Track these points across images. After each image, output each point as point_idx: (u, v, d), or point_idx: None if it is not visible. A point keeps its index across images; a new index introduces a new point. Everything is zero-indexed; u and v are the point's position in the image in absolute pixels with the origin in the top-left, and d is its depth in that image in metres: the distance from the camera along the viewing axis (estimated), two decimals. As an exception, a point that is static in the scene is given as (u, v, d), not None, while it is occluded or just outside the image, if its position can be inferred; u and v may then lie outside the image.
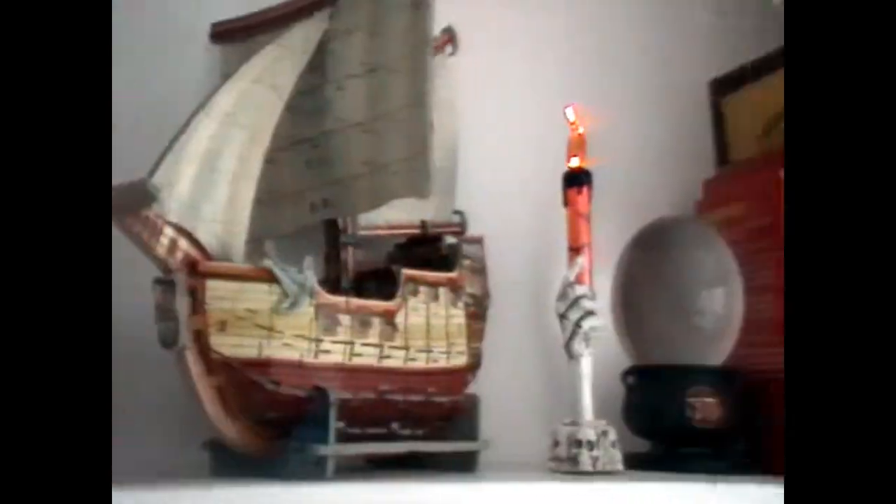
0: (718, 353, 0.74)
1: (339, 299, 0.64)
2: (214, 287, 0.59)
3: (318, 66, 0.70)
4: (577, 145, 0.74)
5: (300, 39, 0.69)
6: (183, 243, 0.59)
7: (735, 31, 0.89)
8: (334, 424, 0.60)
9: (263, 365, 0.60)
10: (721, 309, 0.73)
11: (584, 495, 0.63)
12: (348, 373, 0.63)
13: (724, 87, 0.88)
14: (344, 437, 0.61)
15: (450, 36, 0.79)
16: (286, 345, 0.61)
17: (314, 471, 0.59)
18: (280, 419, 0.61)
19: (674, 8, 0.89)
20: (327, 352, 0.62)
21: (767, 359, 0.73)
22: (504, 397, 0.75)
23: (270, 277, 0.60)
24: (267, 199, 0.69)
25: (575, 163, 0.74)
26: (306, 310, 0.61)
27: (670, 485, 0.65)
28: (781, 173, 0.72)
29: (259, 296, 0.60)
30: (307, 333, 0.61)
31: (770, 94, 0.82)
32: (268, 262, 0.61)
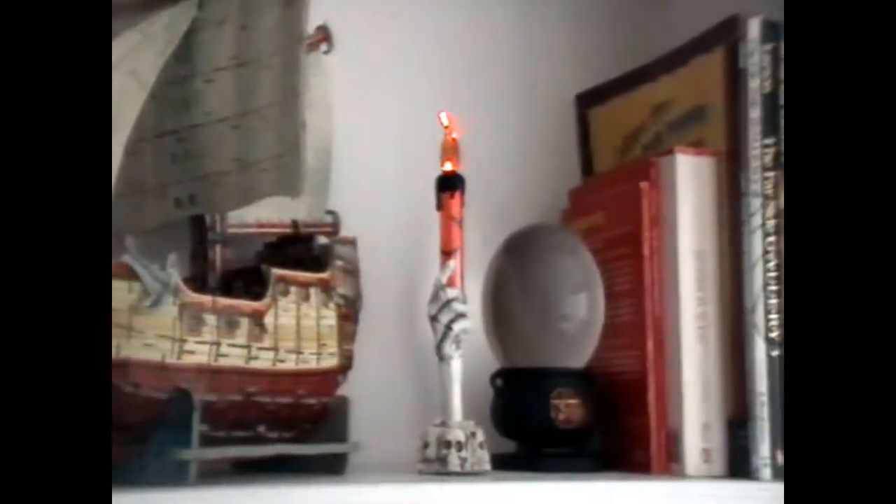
0: (581, 357, 0.77)
1: (205, 298, 0.62)
2: (68, 283, 0.55)
3: (185, 56, 0.68)
4: (451, 150, 0.75)
5: (164, 27, 0.66)
6: (33, 236, 0.55)
7: (602, 48, 0.92)
8: (198, 427, 0.58)
9: (122, 366, 0.57)
10: (585, 314, 0.76)
11: (453, 496, 0.63)
12: (213, 374, 0.61)
13: (589, 100, 0.91)
14: (208, 441, 0.59)
15: (325, 34, 0.78)
16: (147, 345, 0.58)
17: (175, 476, 0.57)
18: (139, 423, 0.58)
19: (545, 22, 0.92)
20: (191, 352, 0.60)
21: (623, 361, 0.76)
22: (374, 399, 0.74)
23: (130, 274, 0.58)
24: (128, 192, 0.66)
25: (448, 167, 0.75)
26: (169, 309, 0.59)
27: (535, 484, 0.66)
28: (639, 185, 0.76)
29: (118, 293, 0.57)
30: (170, 333, 0.59)
31: (629, 109, 0.86)
32: (127, 258, 0.58)
